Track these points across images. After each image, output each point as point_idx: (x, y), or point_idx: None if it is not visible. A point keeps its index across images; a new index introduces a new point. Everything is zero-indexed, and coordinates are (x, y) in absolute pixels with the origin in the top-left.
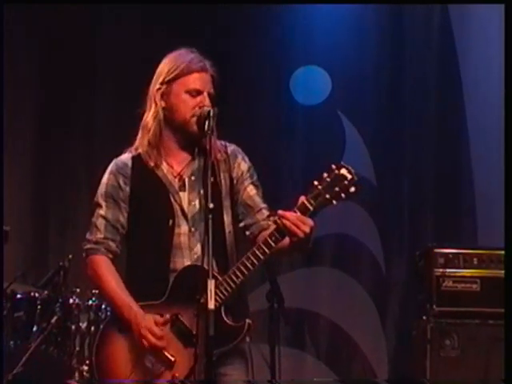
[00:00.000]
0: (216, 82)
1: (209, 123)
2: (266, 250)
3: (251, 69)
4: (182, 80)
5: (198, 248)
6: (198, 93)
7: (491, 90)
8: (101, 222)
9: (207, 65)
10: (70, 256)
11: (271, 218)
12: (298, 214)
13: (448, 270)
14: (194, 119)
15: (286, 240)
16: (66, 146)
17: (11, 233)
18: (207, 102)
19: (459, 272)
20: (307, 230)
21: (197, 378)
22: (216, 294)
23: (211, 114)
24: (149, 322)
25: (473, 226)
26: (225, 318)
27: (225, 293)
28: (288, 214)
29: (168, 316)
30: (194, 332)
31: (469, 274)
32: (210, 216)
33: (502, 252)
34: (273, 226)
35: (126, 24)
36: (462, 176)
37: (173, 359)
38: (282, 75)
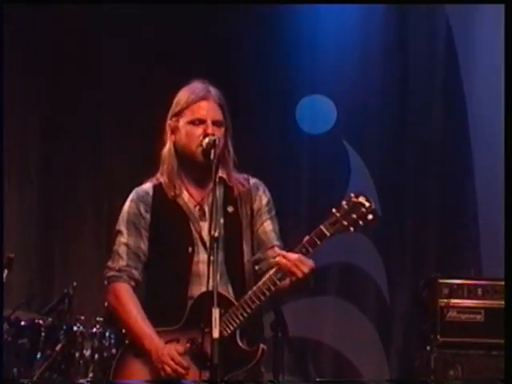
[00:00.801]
0: (224, 108)
1: (214, 151)
2: (271, 286)
3: (257, 97)
4: (186, 112)
5: (212, 275)
6: (202, 122)
7: (496, 119)
8: (123, 250)
9: (212, 92)
10: (75, 283)
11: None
12: (296, 253)
13: (452, 301)
14: (200, 149)
15: (287, 281)
16: (71, 174)
17: (16, 260)
18: (210, 129)
19: (463, 302)
20: (306, 270)
21: None
22: (232, 318)
23: (216, 142)
24: (171, 350)
25: (477, 257)
26: (239, 343)
27: (240, 317)
28: (289, 254)
29: (188, 344)
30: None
31: (473, 305)
32: (215, 244)
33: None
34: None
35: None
36: (466, 206)
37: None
38: (287, 104)
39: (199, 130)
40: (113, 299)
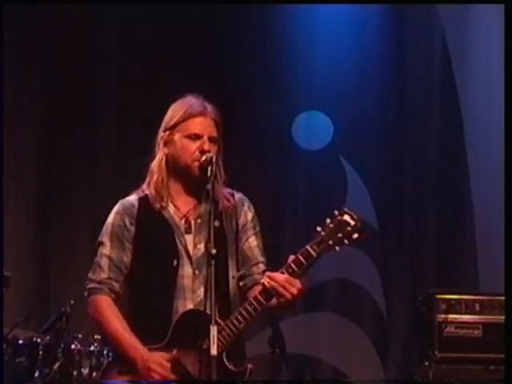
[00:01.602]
0: (219, 125)
1: (211, 169)
2: (257, 307)
3: (253, 114)
4: (182, 126)
5: (200, 291)
6: (198, 137)
7: (493, 128)
8: (105, 262)
9: (208, 108)
10: (72, 301)
11: (262, 278)
12: (283, 275)
13: (450, 316)
14: (196, 164)
15: (274, 300)
16: (67, 190)
17: (12, 278)
18: (207, 146)
19: (461, 318)
20: (294, 292)
21: None
22: (218, 339)
23: (213, 159)
24: (157, 357)
25: (474, 272)
26: (226, 363)
27: (227, 338)
28: (276, 275)
29: (175, 351)
30: (195, 376)
31: (471, 320)
32: (213, 262)
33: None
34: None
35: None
36: (463, 221)
37: None
38: (284, 120)
39: (195, 145)
40: (93, 311)
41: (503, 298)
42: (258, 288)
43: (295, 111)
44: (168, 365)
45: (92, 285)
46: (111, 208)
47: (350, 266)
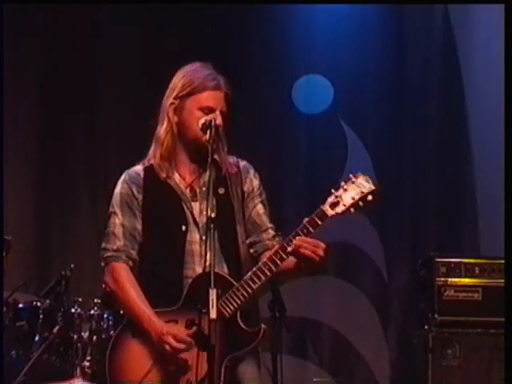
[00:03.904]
0: (229, 99)
1: (210, 133)
2: (272, 267)
3: (253, 79)
4: (196, 97)
5: (208, 256)
6: (211, 110)
7: (492, 94)
8: (119, 230)
9: (221, 82)
10: (72, 265)
11: (272, 244)
12: (307, 238)
13: (450, 279)
14: (199, 130)
15: (292, 263)
16: (66, 156)
17: (12, 242)
18: (219, 119)
19: (461, 281)
20: (322, 253)
21: (211, 382)
22: (232, 299)
23: (212, 123)
24: (172, 329)
25: (475, 235)
26: (241, 324)
27: (242, 298)
28: (302, 241)
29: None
30: (212, 341)
31: (470, 283)
32: (212, 225)
33: (504, 261)
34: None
35: (127, 26)
36: (464, 185)
37: (189, 363)
38: (283, 85)
39: (208, 118)
40: (111, 280)
41: (503, 261)
42: (273, 250)
43: (295, 75)
44: (183, 336)
45: (109, 253)
46: (110, 170)
47: (351, 230)
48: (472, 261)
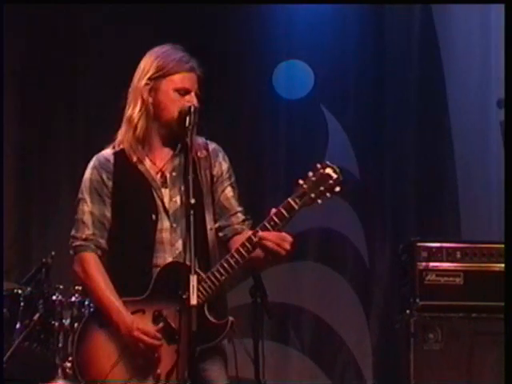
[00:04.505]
0: (201, 81)
1: (189, 119)
2: (239, 259)
3: (233, 63)
4: (172, 78)
5: (179, 244)
6: (187, 92)
7: (473, 86)
8: (87, 218)
9: (195, 65)
10: (53, 253)
11: (241, 228)
12: (274, 232)
13: (431, 264)
14: (176, 116)
15: (261, 253)
16: (47, 143)
17: None
18: (195, 101)
19: (442, 266)
20: (288, 247)
21: (179, 375)
22: (199, 290)
23: (192, 109)
24: (141, 324)
25: (456, 220)
26: (208, 316)
27: (208, 290)
28: (267, 234)
29: (161, 325)
30: (177, 328)
31: (452, 268)
32: (192, 212)
33: (485, 245)
34: (245, 235)
35: (108, 20)
36: (445, 169)
37: (156, 356)
38: (264, 69)
39: (183, 99)
40: (80, 270)
41: (484, 245)
42: (239, 238)
43: (276, 60)
44: (154, 332)
45: (78, 242)
46: (91, 157)
47: (332, 215)
48: (453, 245)
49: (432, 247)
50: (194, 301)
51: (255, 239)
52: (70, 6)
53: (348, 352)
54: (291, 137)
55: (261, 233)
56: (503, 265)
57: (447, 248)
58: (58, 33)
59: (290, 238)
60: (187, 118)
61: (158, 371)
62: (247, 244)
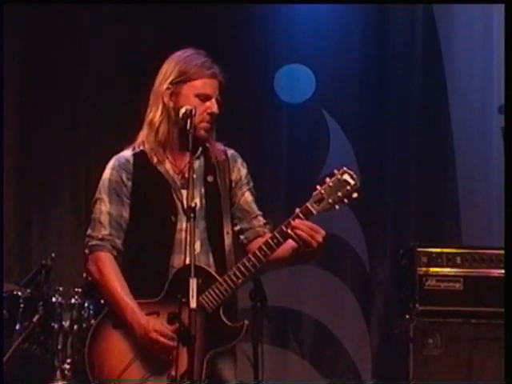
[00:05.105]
0: (222, 87)
1: (191, 121)
2: (268, 252)
3: (234, 67)
4: (193, 83)
5: (197, 245)
6: (207, 98)
7: (475, 89)
8: (105, 218)
9: (217, 71)
10: (53, 254)
11: (263, 230)
12: (307, 222)
13: (431, 269)
14: (203, 125)
15: (287, 249)
16: (47, 144)
17: None
18: (215, 107)
19: (442, 271)
20: (320, 239)
21: (193, 376)
22: (216, 294)
23: (193, 112)
24: (157, 326)
25: (457, 225)
26: (223, 319)
27: (224, 293)
28: (300, 223)
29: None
30: (192, 331)
31: (452, 273)
32: (192, 215)
33: (485, 251)
34: (268, 234)
35: (114, 21)
36: (446, 175)
37: (171, 357)
38: (266, 73)
39: (204, 105)
40: (95, 270)
41: (484, 251)
42: (260, 241)
43: (277, 64)
44: (171, 333)
45: (94, 242)
46: (92, 158)
47: (333, 220)
48: (453, 251)
49: (432, 252)
50: (193, 304)
51: (287, 230)
52: (70, 6)
53: (347, 357)
54: (292, 141)
55: (294, 222)
56: (503, 270)
57: (447, 253)
58: (58, 33)
59: (323, 232)
60: (188, 121)
61: (173, 372)
62: (277, 236)
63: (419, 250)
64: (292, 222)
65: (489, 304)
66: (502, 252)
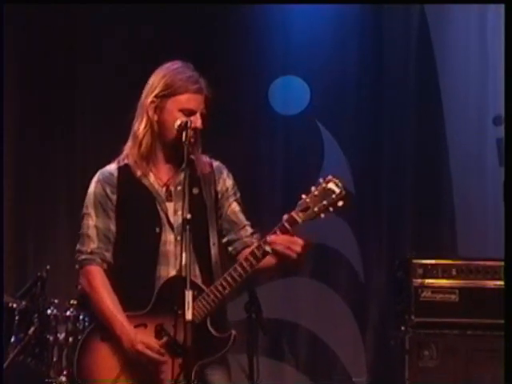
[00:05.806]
0: (208, 102)
1: (186, 134)
2: (253, 262)
3: (229, 79)
4: (177, 98)
5: (183, 257)
6: (192, 113)
7: (470, 99)
8: (93, 232)
9: (203, 85)
10: (48, 267)
11: (251, 241)
12: (284, 235)
13: (427, 281)
14: (174, 132)
15: (271, 260)
16: (43, 156)
17: None
18: (199, 122)
19: (438, 282)
20: (299, 249)
21: None
22: (203, 305)
23: (188, 125)
24: (145, 338)
25: (452, 236)
26: (211, 329)
27: (212, 304)
28: (276, 237)
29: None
30: (179, 342)
31: (447, 285)
32: (188, 227)
33: (481, 262)
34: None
35: (111, 26)
36: (441, 186)
37: (159, 370)
38: (260, 85)
39: (188, 120)
40: (86, 284)
41: (480, 262)
42: (248, 251)
43: (272, 76)
44: (158, 347)
45: (83, 256)
46: (88, 171)
47: (327, 231)
48: (449, 262)
49: (427, 264)
50: (189, 316)
51: (264, 246)
52: (70, 6)
53: (342, 369)
54: (287, 152)
55: (269, 237)
56: (499, 282)
57: (443, 265)
58: (58, 33)
59: (300, 241)
60: (183, 133)
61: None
62: (256, 252)
63: (415, 261)
64: (268, 238)
65: (485, 315)
66: (498, 263)
